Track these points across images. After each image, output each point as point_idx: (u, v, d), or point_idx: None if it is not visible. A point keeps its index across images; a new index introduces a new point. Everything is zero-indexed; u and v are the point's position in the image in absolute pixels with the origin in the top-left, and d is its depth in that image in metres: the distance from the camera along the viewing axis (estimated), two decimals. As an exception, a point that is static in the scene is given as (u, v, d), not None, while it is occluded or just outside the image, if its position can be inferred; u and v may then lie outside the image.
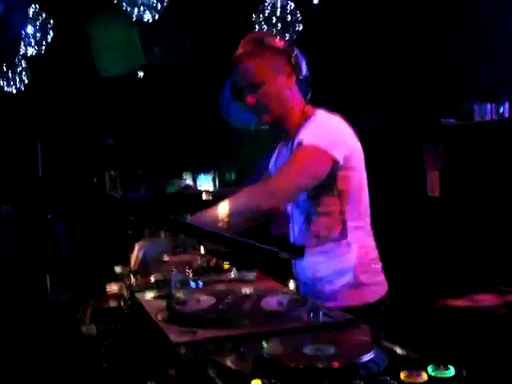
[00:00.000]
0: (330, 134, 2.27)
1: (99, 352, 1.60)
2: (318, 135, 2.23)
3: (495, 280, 4.14)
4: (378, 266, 2.41)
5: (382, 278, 2.41)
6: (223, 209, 2.09)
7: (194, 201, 6.39)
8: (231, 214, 2.07)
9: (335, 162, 2.21)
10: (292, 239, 2.52)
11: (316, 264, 2.34)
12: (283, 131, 2.46)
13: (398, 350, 1.17)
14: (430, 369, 1.05)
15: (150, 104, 7.57)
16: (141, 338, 1.59)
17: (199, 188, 7.06)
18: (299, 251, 1.97)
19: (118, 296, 1.98)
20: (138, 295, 1.82)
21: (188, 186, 6.63)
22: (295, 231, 2.49)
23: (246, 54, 2.33)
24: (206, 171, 7.23)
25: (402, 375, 1.04)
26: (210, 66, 6.34)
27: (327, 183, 2.25)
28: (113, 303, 1.94)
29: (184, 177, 7.18)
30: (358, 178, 2.35)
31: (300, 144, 2.22)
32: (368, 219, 2.41)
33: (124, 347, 1.59)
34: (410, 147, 5.48)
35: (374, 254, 2.40)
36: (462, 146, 4.97)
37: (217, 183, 7.21)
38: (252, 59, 2.31)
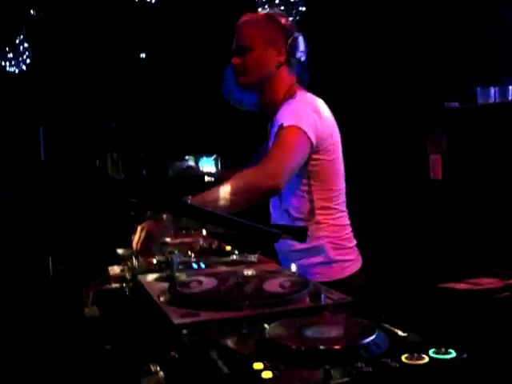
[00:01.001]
0: (305, 116, 2.31)
1: (102, 334, 1.61)
2: (296, 117, 2.28)
3: (497, 263, 4.14)
4: (351, 244, 2.50)
5: (354, 255, 2.50)
6: (224, 189, 2.12)
7: (197, 183, 6.39)
8: (232, 194, 2.10)
9: (311, 143, 2.28)
10: (271, 214, 2.61)
11: (285, 241, 2.40)
12: (267, 109, 2.54)
13: (400, 333, 1.18)
14: (431, 351, 1.06)
15: (152, 86, 7.55)
16: (143, 320, 1.59)
17: (202, 170, 7.06)
18: (301, 234, 1.98)
19: (120, 278, 1.99)
20: (140, 277, 1.82)
21: (190, 167, 6.62)
22: (271, 206, 2.59)
23: (247, 20, 2.45)
24: (208, 154, 7.22)
25: (404, 357, 1.04)
26: (212, 47, 6.33)
27: None
28: (115, 285, 1.95)
29: (186, 159, 7.17)
30: (331, 160, 2.41)
31: (281, 126, 2.26)
32: (341, 200, 2.48)
33: (126, 329, 1.60)
34: (413, 130, 5.46)
35: (346, 232, 2.49)
36: (465, 129, 4.96)
37: (219, 165, 7.20)
38: (250, 26, 2.43)
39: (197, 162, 7.20)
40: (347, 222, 2.52)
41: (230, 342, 1.16)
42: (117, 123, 7.65)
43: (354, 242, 2.53)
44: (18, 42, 7.04)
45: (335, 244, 2.42)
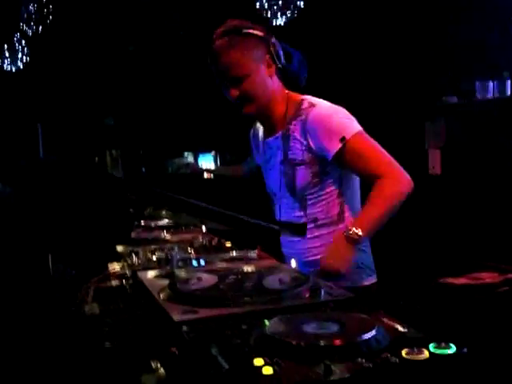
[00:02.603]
0: (347, 116, 2.27)
1: (102, 331, 1.61)
2: (345, 123, 2.23)
3: (496, 257, 4.14)
4: (369, 249, 2.42)
5: (371, 260, 2.43)
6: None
7: (196, 179, 6.40)
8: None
9: None
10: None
11: (310, 249, 2.34)
12: (267, 121, 2.42)
13: (400, 328, 1.18)
14: (431, 346, 1.06)
15: (151, 83, 7.54)
16: (143, 317, 1.59)
17: (200, 166, 7.05)
18: (301, 229, 1.98)
19: (120, 275, 1.99)
20: (140, 274, 1.82)
21: (189, 164, 6.61)
22: (283, 214, 2.44)
23: (226, 45, 2.25)
24: (207, 151, 7.22)
25: (404, 353, 1.04)
26: (210, 43, 6.29)
27: (335, 165, 2.25)
28: (115, 282, 1.94)
29: (185, 156, 7.17)
30: None
31: (344, 140, 2.18)
32: (360, 202, 2.40)
33: (126, 326, 1.60)
34: (412, 125, 5.46)
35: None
36: (464, 124, 4.96)
37: (218, 162, 7.20)
38: (234, 51, 2.24)
39: (196, 159, 7.19)
40: None
41: (230, 339, 1.16)
42: (116, 120, 7.64)
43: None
44: (14, 40, 7.04)
45: (360, 250, 2.30)
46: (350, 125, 2.23)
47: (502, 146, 4.61)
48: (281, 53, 2.33)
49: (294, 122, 2.30)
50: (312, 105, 2.29)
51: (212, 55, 2.29)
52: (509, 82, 4.72)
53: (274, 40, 2.32)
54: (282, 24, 5.31)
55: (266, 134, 2.48)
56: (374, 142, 2.25)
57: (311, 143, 2.24)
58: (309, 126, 2.24)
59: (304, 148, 2.26)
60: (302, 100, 2.33)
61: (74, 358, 1.71)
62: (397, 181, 2.20)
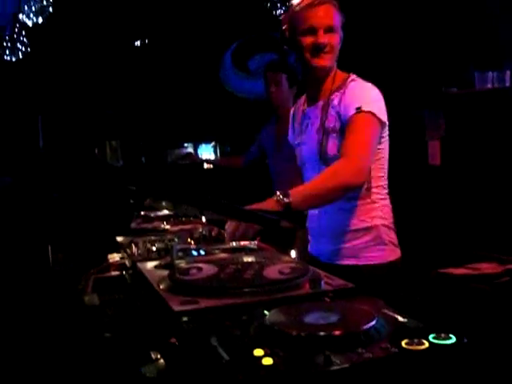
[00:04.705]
0: (378, 99, 2.33)
1: (102, 322, 1.61)
2: (371, 101, 2.28)
3: (496, 248, 4.14)
4: (394, 227, 2.46)
5: (397, 239, 2.47)
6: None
7: (195, 170, 6.40)
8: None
9: (385, 126, 2.31)
10: None
11: (340, 220, 2.37)
12: (316, 87, 2.48)
13: (400, 319, 1.18)
14: (431, 337, 1.06)
15: (150, 74, 7.52)
16: (143, 308, 1.59)
17: (200, 157, 7.05)
18: (300, 220, 1.98)
19: (119, 266, 1.99)
20: (139, 265, 1.82)
21: (189, 155, 6.60)
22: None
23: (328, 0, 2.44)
24: (206, 141, 7.20)
25: (404, 343, 1.04)
26: (210, 34, 6.30)
27: None
28: (115, 273, 1.95)
29: (185, 146, 7.16)
30: (387, 139, 2.38)
31: (360, 110, 2.22)
32: (387, 181, 2.43)
33: (126, 317, 1.60)
34: (411, 116, 5.45)
35: (392, 215, 2.44)
36: (463, 114, 4.95)
37: (218, 152, 7.18)
38: (333, 7, 2.46)
39: (195, 149, 7.18)
40: (391, 205, 2.47)
41: (230, 329, 1.16)
42: (115, 111, 7.62)
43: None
44: (14, 30, 7.02)
45: (387, 226, 2.39)
46: (373, 105, 2.26)
47: (501, 136, 4.60)
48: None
49: (336, 93, 2.38)
50: (354, 80, 2.42)
51: (310, 3, 2.41)
52: (508, 72, 4.70)
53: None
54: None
55: (308, 103, 2.56)
56: (372, 132, 2.25)
57: (341, 109, 2.32)
58: (346, 93, 2.34)
59: (337, 116, 2.33)
60: (349, 76, 2.46)
61: (73, 348, 1.71)
62: (350, 169, 2.14)
